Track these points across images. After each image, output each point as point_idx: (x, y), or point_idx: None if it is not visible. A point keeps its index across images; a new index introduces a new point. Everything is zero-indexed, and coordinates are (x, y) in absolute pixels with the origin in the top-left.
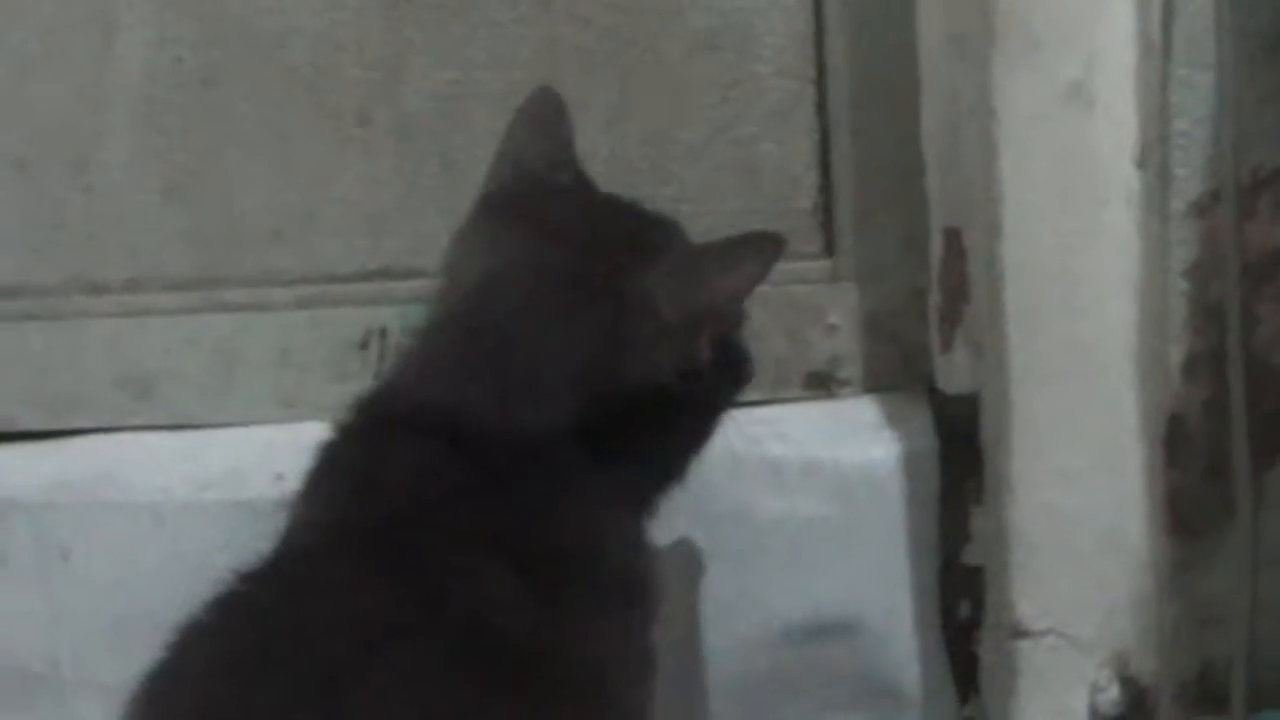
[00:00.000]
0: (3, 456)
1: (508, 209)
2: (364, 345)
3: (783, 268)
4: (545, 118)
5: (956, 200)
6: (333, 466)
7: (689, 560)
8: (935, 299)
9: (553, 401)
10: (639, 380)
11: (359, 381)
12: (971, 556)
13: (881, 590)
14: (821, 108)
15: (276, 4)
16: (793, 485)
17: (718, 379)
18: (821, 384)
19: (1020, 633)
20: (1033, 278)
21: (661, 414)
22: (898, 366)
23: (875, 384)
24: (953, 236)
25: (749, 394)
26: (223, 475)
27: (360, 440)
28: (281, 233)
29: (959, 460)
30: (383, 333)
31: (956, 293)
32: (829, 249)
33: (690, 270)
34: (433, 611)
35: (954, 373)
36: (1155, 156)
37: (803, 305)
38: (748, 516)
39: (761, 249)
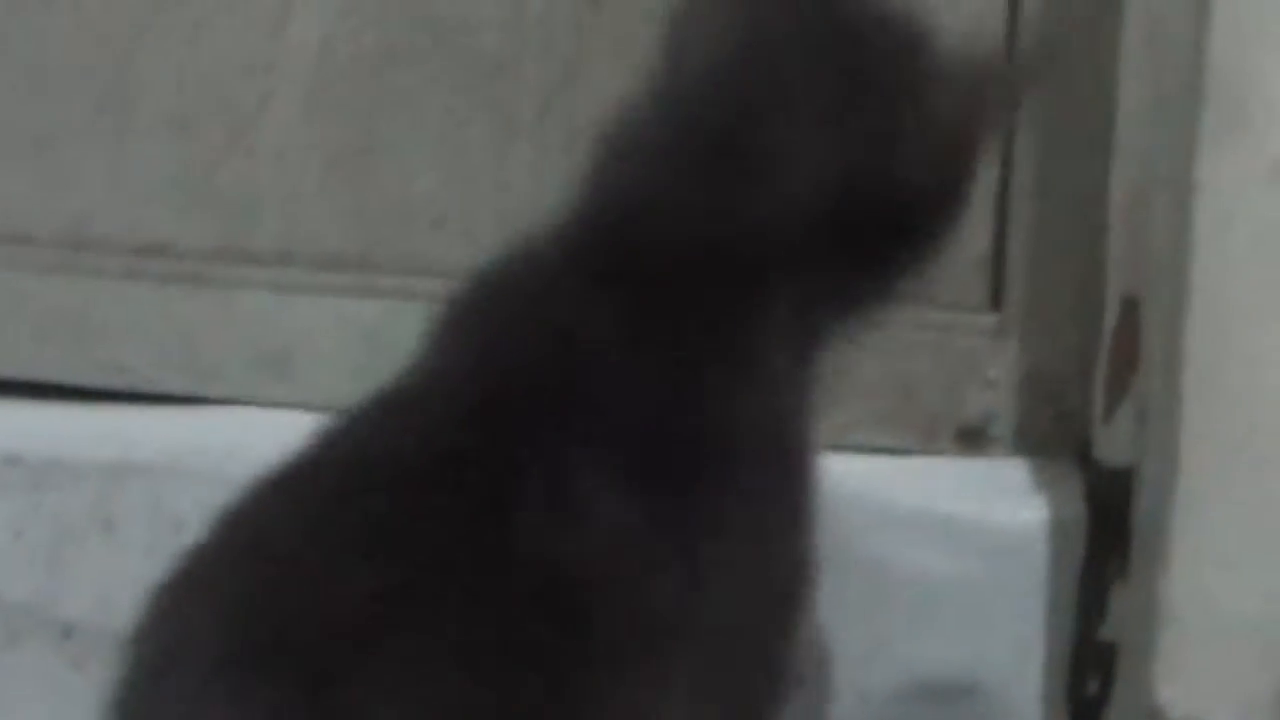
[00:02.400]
0: (126, 417)
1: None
2: None
3: (945, 317)
4: None
5: (1139, 269)
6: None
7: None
8: (1104, 366)
9: (794, 207)
10: (903, 183)
11: None
12: (1107, 633)
13: (1011, 655)
14: (1006, 155)
15: None
16: (933, 540)
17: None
18: (973, 440)
19: (1156, 716)
20: (1214, 357)
21: (884, 236)
22: (1053, 429)
23: (1028, 445)
24: (1130, 305)
25: (898, 442)
26: None
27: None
28: (443, 222)
29: (1106, 533)
30: None
31: (1127, 362)
32: (995, 302)
33: (968, 78)
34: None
35: (1114, 443)
36: None
37: (963, 357)
38: (885, 567)
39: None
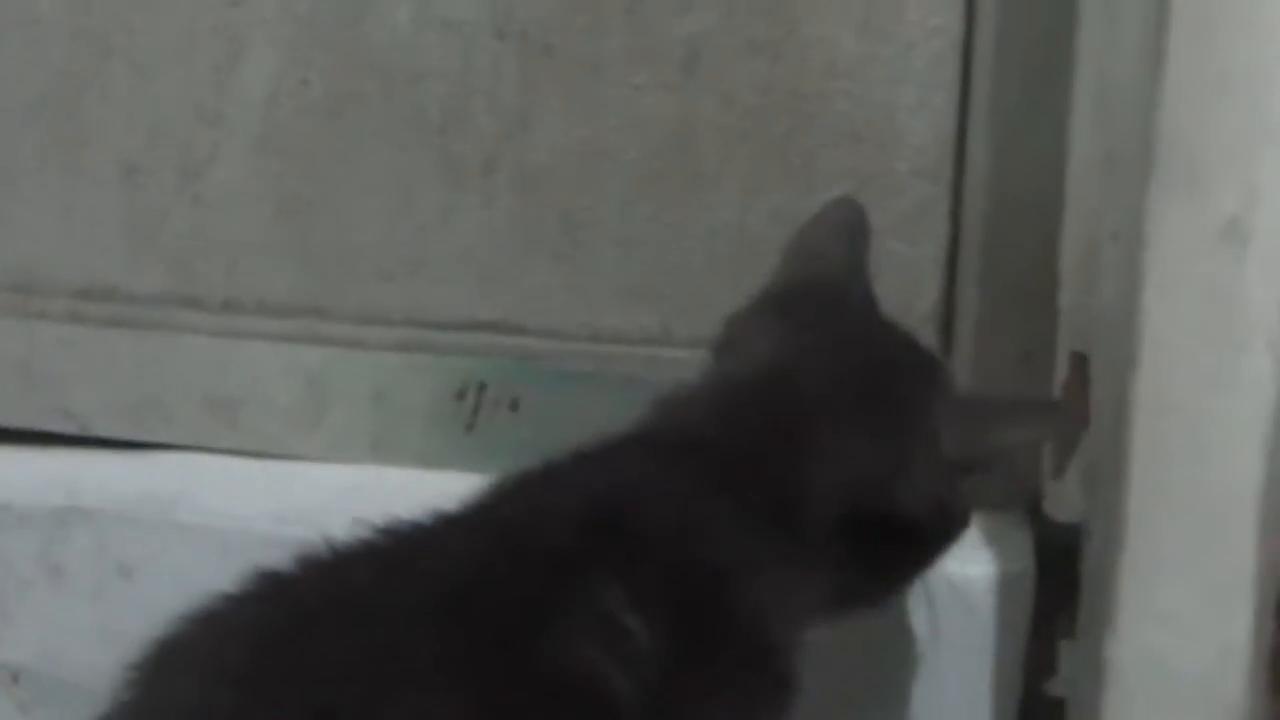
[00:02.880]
0: (73, 462)
1: (800, 305)
2: (461, 396)
3: None
4: (849, 225)
5: (1089, 325)
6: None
7: None
8: None
9: (822, 497)
10: (903, 507)
11: (452, 432)
12: (1056, 689)
13: (960, 711)
14: (955, 212)
15: (413, 42)
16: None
17: (952, 524)
18: None
19: None
20: (1162, 415)
21: (894, 543)
22: (1002, 485)
23: (977, 500)
24: (1079, 361)
25: None
26: (301, 511)
27: (587, 448)
28: (391, 272)
29: (1055, 589)
30: (481, 386)
31: (1076, 419)
32: (945, 355)
33: (978, 415)
34: (511, 650)
35: (1063, 500)
36: None
37: None
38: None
39: (1046, 412)
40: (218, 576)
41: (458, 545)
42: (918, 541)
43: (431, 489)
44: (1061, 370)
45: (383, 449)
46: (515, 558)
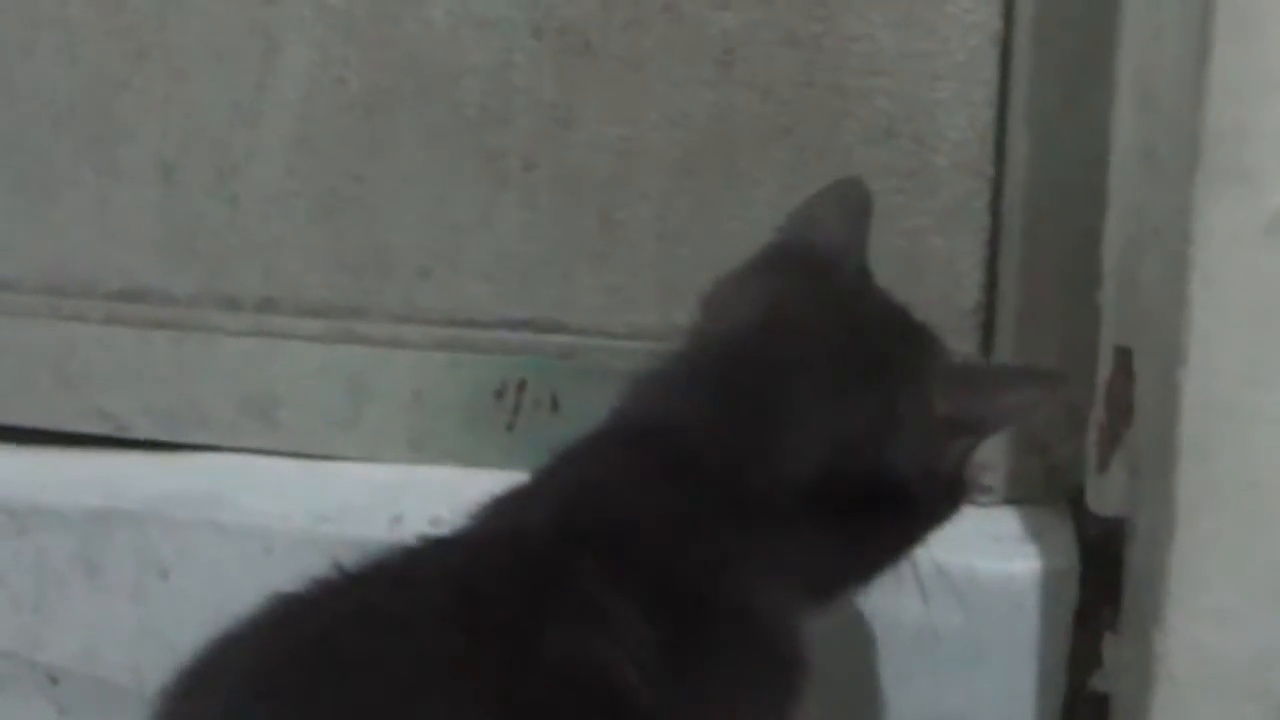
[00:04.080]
0: (111, 463)
1: (793, 269)
2: (500, 395)
3: None
4: (851, 203)
5: (1132, 320)
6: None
7: None
8: (1098, 417)
9: (796, 460)
10: (891, 468)
11: (491, 431)
12: (1100, 684)
13: (1004, 706)
14: (995, 207)
15: (450, 38)
16: (925, 590)
17: (945, 494)
18: None
19: None
20: (1210, 410)
21: (882, 512)
22: (1044, 480)
23: (1019, 495)
24: (1124, 356)
25: None
26: (339, 510)
27: (566, 451)
28: (429, 270)
29: (1099, 583)
30: (521, 384)
31: (1120, 414)
32: (986, 351)
33: (971, 378)
34: (519, 648)
35: (1107, 495)
36: None
37: None
38: (877, 617)
39: (1044, 379)
40: (256, 576)
41: (457, 560)
42: (909, 509)
43: (472, 488)
44: (1106, 365)
45: (422, 448)
46: (509, 568)
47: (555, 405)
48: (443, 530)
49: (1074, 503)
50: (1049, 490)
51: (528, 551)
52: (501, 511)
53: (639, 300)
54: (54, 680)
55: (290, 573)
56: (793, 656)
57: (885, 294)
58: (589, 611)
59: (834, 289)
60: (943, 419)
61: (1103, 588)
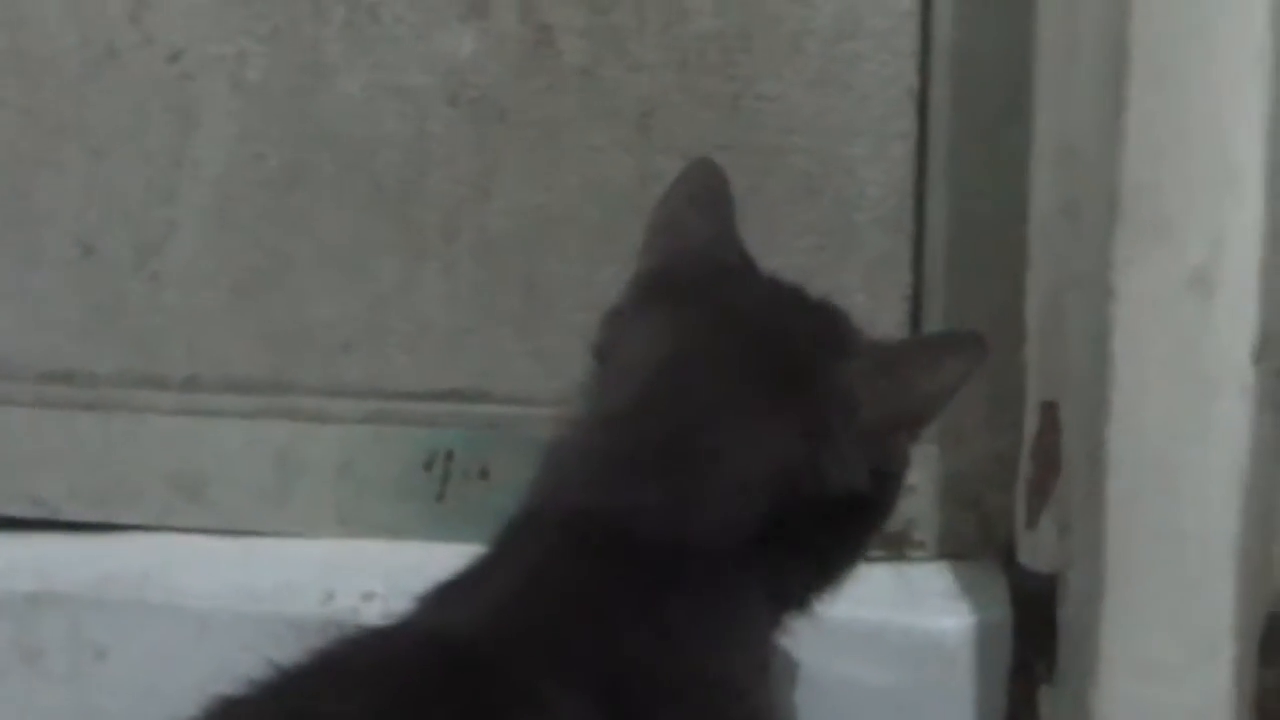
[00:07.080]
0: (43, 547)
1: (675, 290)
2: (429, 466)
3: None
4: (708, 189)
5: (1058, 375)
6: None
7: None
8: (1025, 472)
9: (741, 508)
10: (836, 484)
11: (421, 502)
12: None
13: None
14: (918, 263)
15: (367, 109)
16: (858, 647)
17: (896, 479)
18: (895, 546)
19: None
20: (1136, 463)
21: (839, 520)
22: (976, 534)
23: (951, 550)
24: (1049, 410)
25: None
26: (272, 588)
27: (498, 541)
28: (352, 344)
29: (1033, 637)
30: (449, 455)
31: (1048, 468)
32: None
33: (891, 367)
34: None
35: (1037, 550)
36: (1274, 351)
37: None
38: (809, 678)
39: (964, 348)
40: (193, 655)
41: (399, 660)
42: (863, 508)
43: (403, 560)
44: (1033, 420)
45: (352, 522)
46: (453, 672)
47: (484, 474)
48: (375, 609)
49: (1007, 555)
50: (982, 544)
51: (471, 657)
52: (445, 602)
53: (564, 367)
54: None
55: (226, 651)
56: (760, 714)
57: (774, 280)
58: (539, 714)
59: (723, 304)
60: (873, 421)
61: (1037, 641)
